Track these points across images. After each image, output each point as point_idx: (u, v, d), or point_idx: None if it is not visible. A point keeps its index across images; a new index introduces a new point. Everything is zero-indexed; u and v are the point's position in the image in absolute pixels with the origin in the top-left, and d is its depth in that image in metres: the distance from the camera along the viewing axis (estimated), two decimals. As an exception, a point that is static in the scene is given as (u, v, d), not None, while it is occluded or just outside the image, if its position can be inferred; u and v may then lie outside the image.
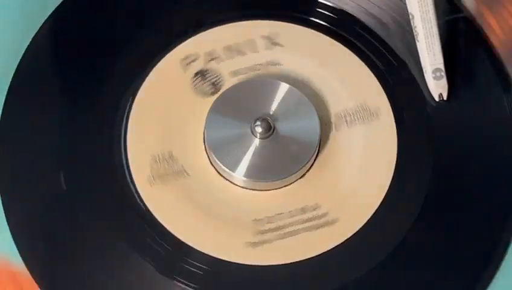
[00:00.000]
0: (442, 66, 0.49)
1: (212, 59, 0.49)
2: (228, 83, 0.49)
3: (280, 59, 0.49)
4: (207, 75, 0.48)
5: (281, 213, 0.46)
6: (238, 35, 0.50)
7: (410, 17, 0.49)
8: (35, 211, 0.46)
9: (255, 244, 0.45)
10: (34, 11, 0.51)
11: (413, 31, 0.49)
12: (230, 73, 0.49)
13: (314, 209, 0.46)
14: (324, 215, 0.46)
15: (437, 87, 0.49)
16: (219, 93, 0.48)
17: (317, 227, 0.46)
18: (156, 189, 0.46)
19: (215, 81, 0.48)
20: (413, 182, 0.47)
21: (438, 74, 0.49)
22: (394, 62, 0.50)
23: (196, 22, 0.50)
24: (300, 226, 0.46)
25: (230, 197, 0.46)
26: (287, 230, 0.45)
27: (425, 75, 0.49)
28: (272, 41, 0.50)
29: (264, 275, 0.45)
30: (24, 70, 0.49)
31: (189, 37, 0.50)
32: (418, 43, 0.49)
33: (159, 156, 0.47)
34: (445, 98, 0.49)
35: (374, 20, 0.51)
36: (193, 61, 0.49)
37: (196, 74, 0.48)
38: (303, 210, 0.46)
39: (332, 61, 0.50)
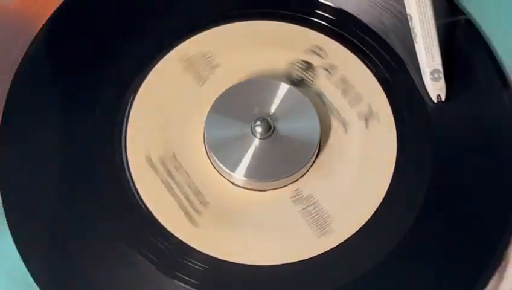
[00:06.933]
0: (440, 68, 0.49)
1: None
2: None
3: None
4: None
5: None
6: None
7: (409, 18, 0.49)
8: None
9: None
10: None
11: (412, 32, 0.49)
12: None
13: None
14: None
15: (435, 88, 0.49)
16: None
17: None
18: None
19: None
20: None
21: (436, 75, 0.49)
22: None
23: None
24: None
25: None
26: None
27: (423, 76, 0.49)
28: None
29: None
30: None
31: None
32: (416, 44, 0.49)
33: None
34: (443, 100, 0.49)
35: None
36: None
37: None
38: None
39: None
